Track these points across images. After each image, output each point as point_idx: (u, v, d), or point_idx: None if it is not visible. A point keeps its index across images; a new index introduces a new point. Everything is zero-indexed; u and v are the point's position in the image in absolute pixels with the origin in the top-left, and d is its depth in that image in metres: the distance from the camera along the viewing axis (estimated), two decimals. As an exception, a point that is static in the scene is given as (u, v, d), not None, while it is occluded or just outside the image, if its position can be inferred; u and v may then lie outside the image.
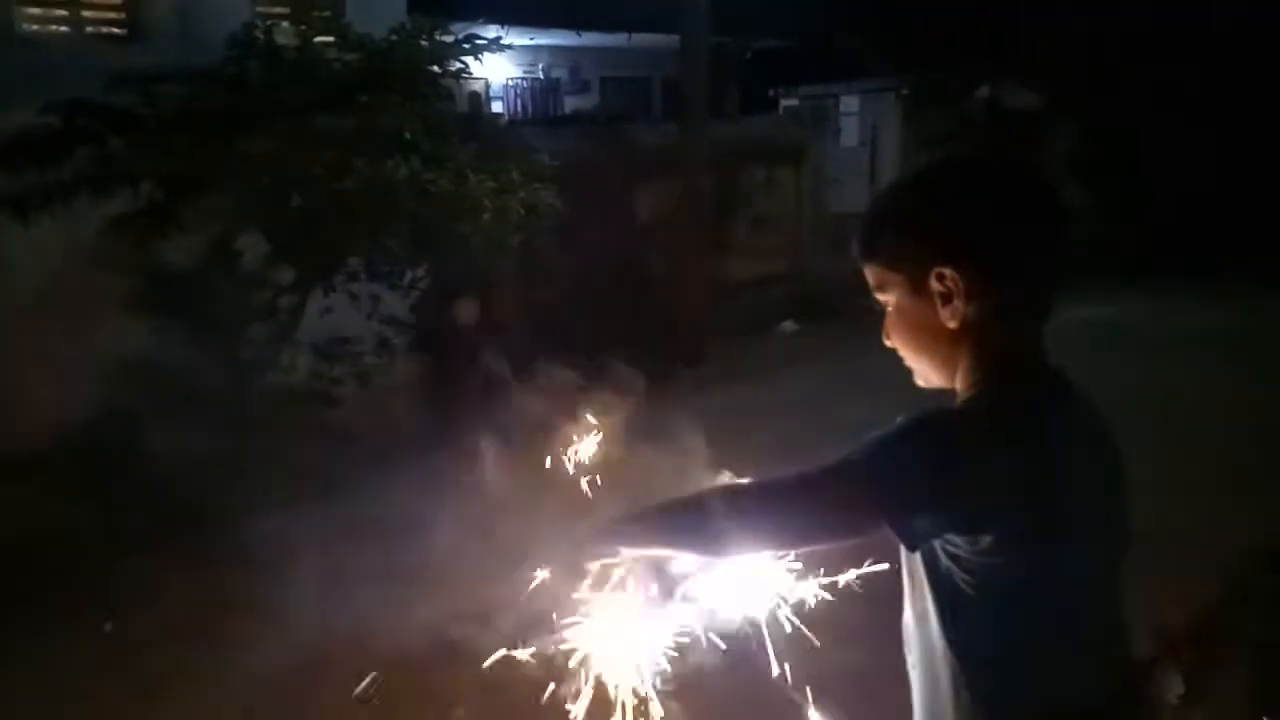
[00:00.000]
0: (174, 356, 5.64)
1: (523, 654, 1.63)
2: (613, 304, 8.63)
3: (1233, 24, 11.92)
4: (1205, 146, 11.85)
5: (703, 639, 1.60)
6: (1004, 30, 12.73)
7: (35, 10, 7.13)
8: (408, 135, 5.64)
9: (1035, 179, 1.25)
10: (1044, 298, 1.23)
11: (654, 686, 1.54)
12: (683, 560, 1.51)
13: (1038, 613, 1.17)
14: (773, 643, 1.60)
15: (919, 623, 1.27)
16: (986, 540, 1.13)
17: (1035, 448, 1.15)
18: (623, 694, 1.54)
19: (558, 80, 17.05)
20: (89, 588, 4.67)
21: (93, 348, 5.77)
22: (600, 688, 1.54)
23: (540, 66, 16.84)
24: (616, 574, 1.51)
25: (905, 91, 15.47)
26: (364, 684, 1.71)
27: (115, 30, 7.35)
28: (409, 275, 6.28)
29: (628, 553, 1.46)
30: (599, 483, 2.42)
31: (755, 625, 1.60)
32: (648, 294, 9.56)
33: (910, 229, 1.25)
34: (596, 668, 1.55)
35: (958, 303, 1.20)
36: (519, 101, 16.77)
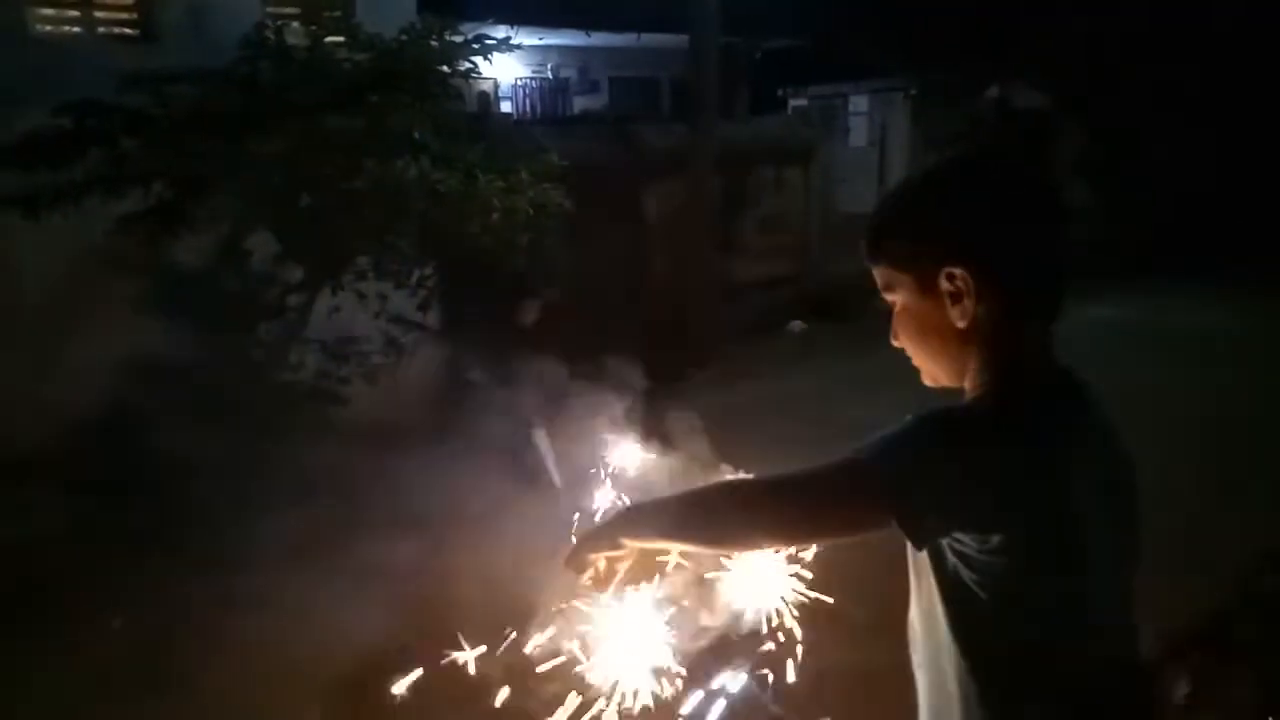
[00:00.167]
0: (183, 356, 5.67)
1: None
2: (621, 304, 8.64)
3: (1236, 24, 11.87)
4: (1210, 146, 11.81)
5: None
6: (1012, 30, 12.70)
7: (48, 11, 7.17)
8: (417, 135, 5.66)
9: (1041, 179, 1.25)
10: (1052, 298, 1.23)
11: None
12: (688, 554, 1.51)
13: (1046, 613, 1.16)
14: (777, 639, 1.61)
15: (925, 621, 1.27)
16: (996, 539, 1.12)
17: (1045, 447, 1.15)
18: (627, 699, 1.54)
19: (566, 80, 17.05)
20: (97, 587, 4.69)
21: (102, 347, 5.81)
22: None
23: (549, 66, 16.84)
24: (622, 568, 1.50)
25: (914, 92, 15.45)
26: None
27: (128, 31, 7.38)
28: (417, 274, 6.30)
29: (633, 546, 1.45)
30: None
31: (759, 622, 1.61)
32: (656, 294, 9.57)
33: (919, 229, 1.25)
34: (600, 673, 1.55)
35: (967, 302, 1.21)
36: (528, 101, 16.78)
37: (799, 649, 1.65)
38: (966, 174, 1.28)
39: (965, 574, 1.16)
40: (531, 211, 6.06)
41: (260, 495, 5.33)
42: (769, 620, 1.65)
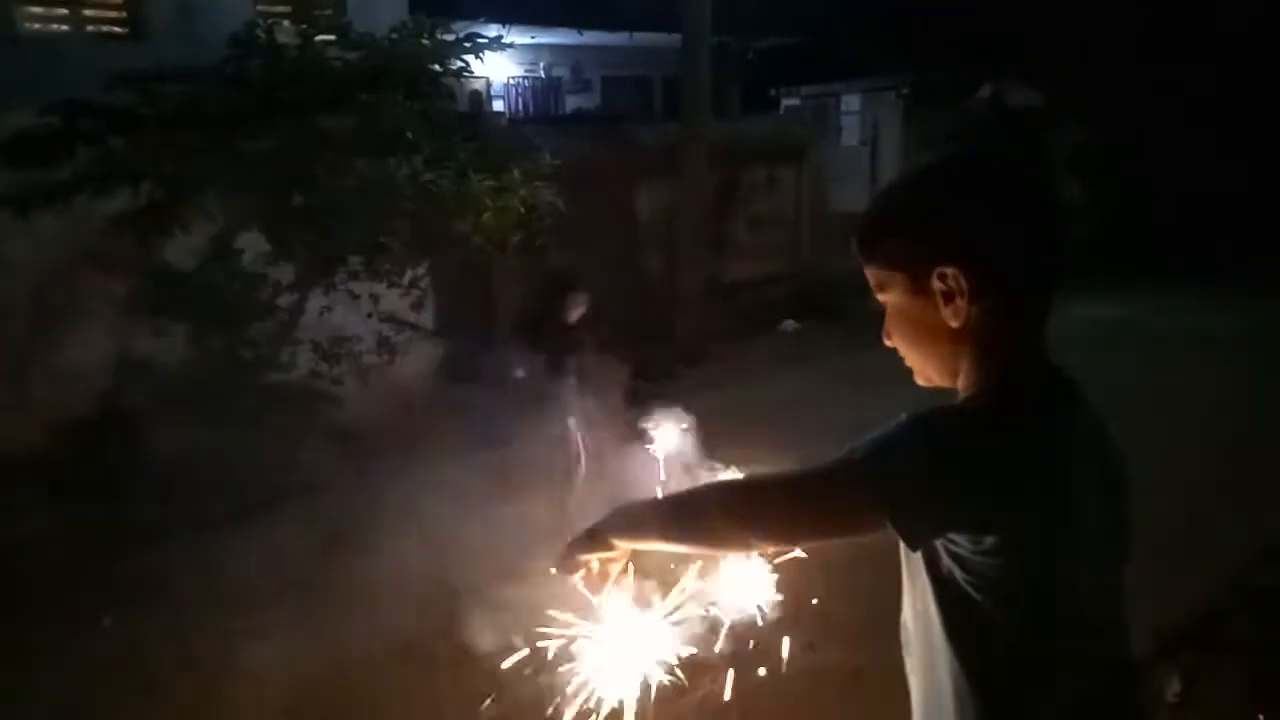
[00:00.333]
0: (173, 356, 5.65)
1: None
2: (612, 302, 8.63)
3: (1235, 23, 11.91)
4: (1206, 145, 11.85)
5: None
6: (1005, 30, 12.73)
7: (37, 9, 7.13)
8: (409, 134, 5.64)
9: (1035, 177, 1.23)
10: (1045, 297, 1.23)
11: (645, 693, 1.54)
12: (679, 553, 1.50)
13: (1041, 613, 1.16)
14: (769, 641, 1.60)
15: (920, 623, 1.26)
16: (990, 540, 1.12)
17: (1039, 447, 1.15)
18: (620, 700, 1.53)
19: (559, 79, 17.03)
20: (87, 587, 4.67)
21: (92, 347, 5.78)
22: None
23: (541, 65, 16.82)
24: (615, 570, 1.50)
25: (906, 91, 15.48)
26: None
27: (116, 29, 7.35)
28: (409, 274, 6.28)
29: (625, 547, 1.45)
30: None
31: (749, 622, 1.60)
32: (648, 293, 9.57)
33: (911, 229, 1.24)
34: (592, 674, 1.54)
35: (960, 302, 1.20)
36: (520, 100, 16.75)
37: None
38: (960, 172, 1.26)
39: (960, 575, 1.16)
40: (524, 210, 6.05)
41: (258, 495, 5.33)
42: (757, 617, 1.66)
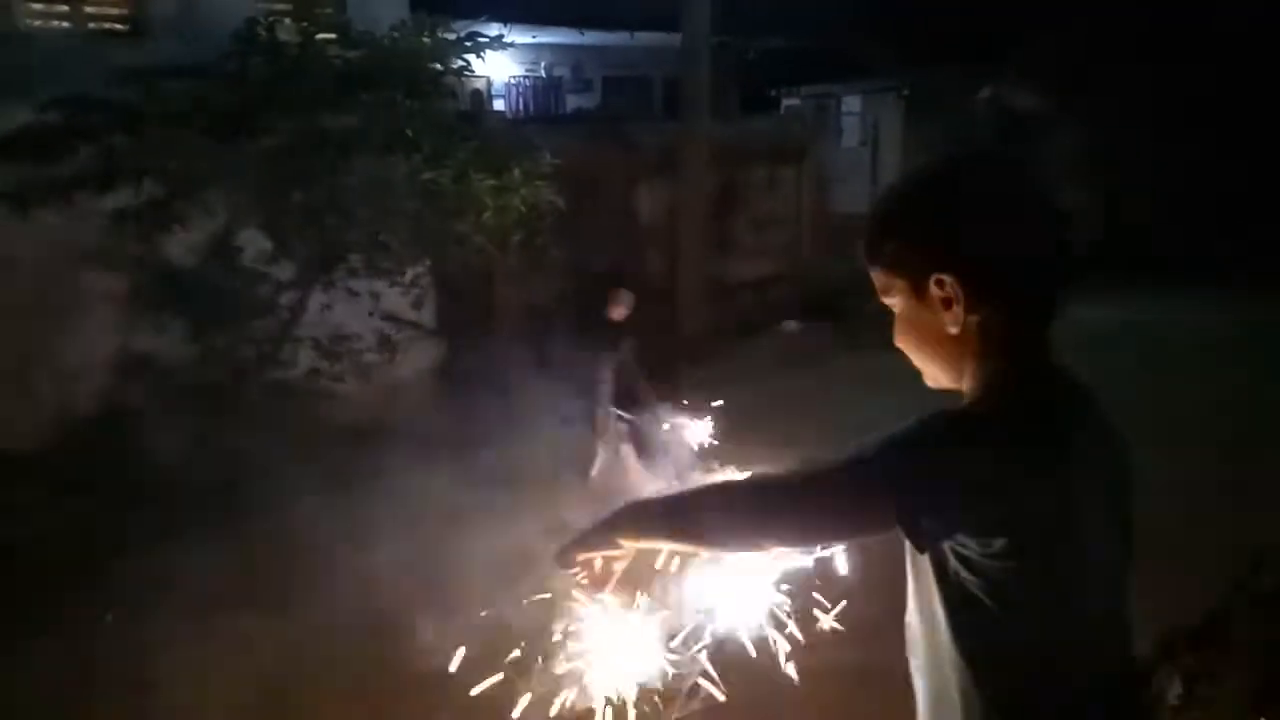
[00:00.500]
0: (174, 353, 5.65)
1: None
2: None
3: (1235, 24, 11.91)
4: (1206, 147, 11.85)
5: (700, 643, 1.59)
6: (1005, 31, 12.73)
7: (38, 6, 7.12)
8: (409, 133, 5.64)
9: (1036, 180, 1.23)
10: (1050, 299, 1.22)
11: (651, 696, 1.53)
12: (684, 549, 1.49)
13: (1047, 615, 1.15)
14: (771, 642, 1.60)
15: (925, 625, 1.26)
16: (999, 543, 1.12)
17: (1046, 450, 1.14)
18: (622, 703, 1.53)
19: (560, 79, 17.05)
20: (89, 585, 4.67)
21: (93, 345, 5.78)
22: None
23: (542, 65, 16.83)
24: (619, 568, 1.49)
25: (906, 92, 15.48)
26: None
27: (118, 26, 7.34)
28: (409, 273, 6.28)
29: (629, 545, 1.43)
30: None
31: (752, 625, 1.60)
32: (649, 293, 9.57)
33: (910, 234, 1.24)
34: (593, 678, 1.54)
35: (957, 309, 1.20)
36: (521, 100, 16.76)
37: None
38: (959, 176, 1.25)
39: (967, 577, 1.15)
40: (524, 210, 6.05)
41: (258, 493, 5.33)
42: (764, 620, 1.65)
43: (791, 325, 10.65)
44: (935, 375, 1.30)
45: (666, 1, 9.86)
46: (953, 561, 1.16)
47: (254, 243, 5.81)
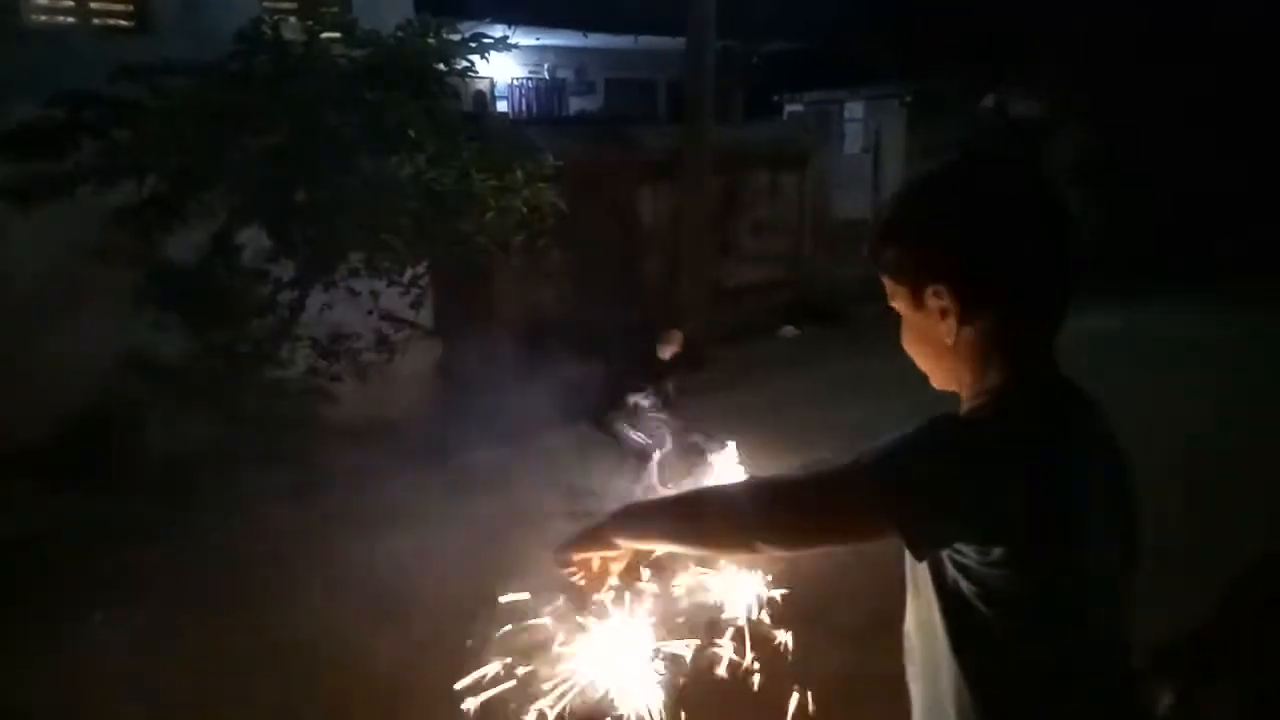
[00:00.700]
0: (173, 350, 5.65)
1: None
2: (614, 305, 8.64)
3: (1234, 30, 11.92)
4: (1209, 154, 11.85)
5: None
6: (1009, 38, 12.74)
7: (43, 1, 7.14)
8: (412, 133, 5.64)
9: (1038, 185, 1.21)
10: (1053, 306, 1.21)
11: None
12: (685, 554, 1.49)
13: (1046, 625, 1.15)
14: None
15: (922, 633, 1.25)
16: (997, 552, 1.11)
17: (1046, 459, 1.14)
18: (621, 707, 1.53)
19: (563, 81, 17.06)
20: (83, 581, 4.67)
21: (91, 341, 5.77)
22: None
23: (546, 67, 16.85)
24: (616, 568, 1.50)
25: (909, 99, 15.48)
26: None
27: (122, 23, 7.36)
28: (409, 273, 6.28)
29: (627, 546, 1.44)
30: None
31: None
32: (650, 296, 9.58)
33: (908, 240, 1.24)
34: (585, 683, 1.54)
35: (951, 321, 1.20)
36: (524, 101, 16.78)
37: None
38: (957, 182, 1.24)
39: (965, 586, 1.15)
40: (526, 211, 6.06)
41: (254, 491, 5.33)
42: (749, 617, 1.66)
43: (791, 330, 10.66)
44: (940, 380, 1.30)
45: (671, 5, 9.86)
46: (951, 570, 1.16)
47: (254, 241, 5.82)
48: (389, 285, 6.26)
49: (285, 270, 5.96)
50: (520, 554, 2.79)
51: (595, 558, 1.47)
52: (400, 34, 5.86)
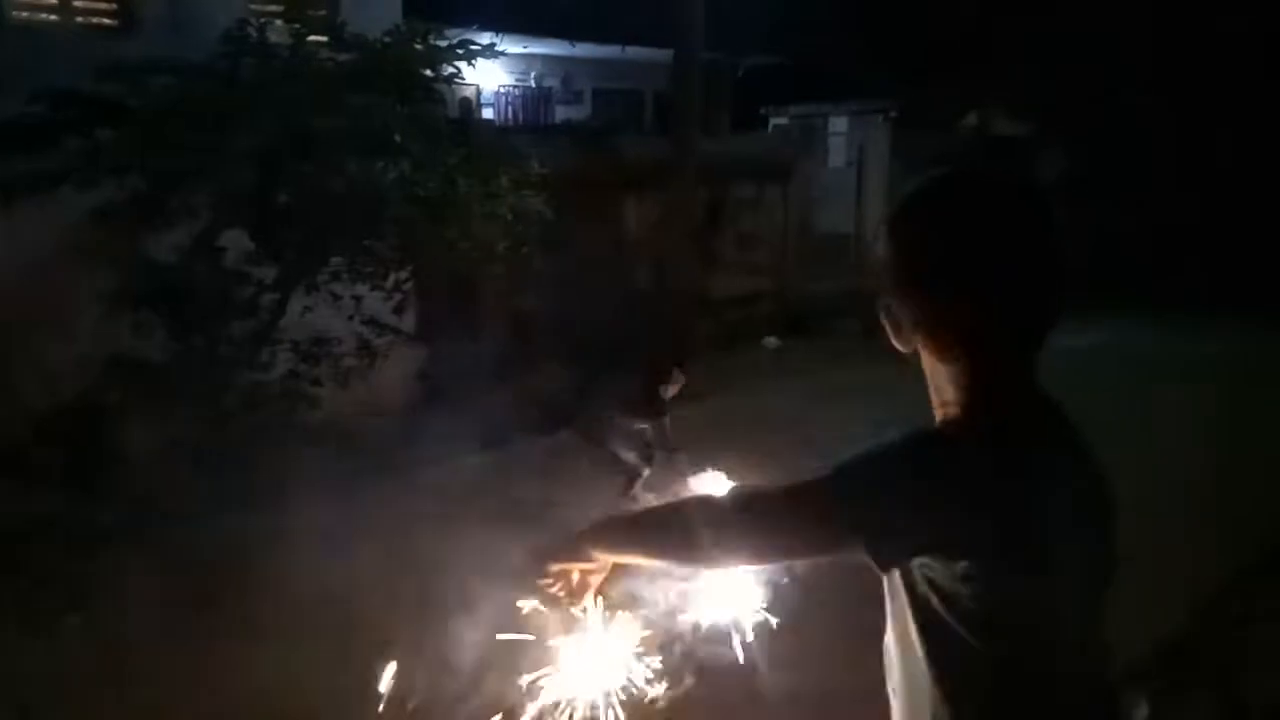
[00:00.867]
0: (152, 351, 5.59)
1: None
2: (598, 315, 8.64)
3: (1220, 53, 12.12)
4: (1191, 173, 12.03)
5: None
6: (991, 57, 12.89)
7: (26, -2, 7.09)
8: (397, 138, 5.63)
9: (1019, 201, 1.20)
10: (1028, 322, 1.19)
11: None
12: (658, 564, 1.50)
13: (1015, 640, 1.15)
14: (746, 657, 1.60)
15: (900, 646, 1.25)
16: (961, 566, 1.12)
17: (1011, 472, 1.14)
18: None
19: (550, 89, 17.04)
20: (60, 581, 4.61)
21: (69, 341, 5.71)
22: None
23: (533, 75, 16.83)
24: (595, 580, 1.50)
25: (894, 114, 15.62)
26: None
27: (106, 21, 7.30)
28: (392, 278, 6.26)
29: (604, 558, 1.45)
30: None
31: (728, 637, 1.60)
32: (634, 306, 9.59)
33: (887, 247, 1.25)
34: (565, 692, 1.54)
35: (909, 330, 1.22)
36: (510, 109, 16.74)
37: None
38: (929, 201, 1.23)
39: (936, 601, 1.15)
40: (511, 218, 6.05)
41: (231, 493, 5.28)
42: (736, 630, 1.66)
43: (772, 341, 10.70)
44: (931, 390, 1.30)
45: (659, 16, 9.91)
46: (922, 584, 1.17)
47: (236, 243, 5.78)
48: (372, 290, 6.24)
49: (267, 273, 5.92)
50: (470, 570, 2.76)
51: (575, 570, 1.48)
52: (387, 39, 5.85)
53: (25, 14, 7.10)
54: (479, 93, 15.76)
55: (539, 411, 6.28)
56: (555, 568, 1.48)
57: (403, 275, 6.31)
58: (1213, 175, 12.21)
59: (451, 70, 6.11)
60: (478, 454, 6.27)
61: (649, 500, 5.51)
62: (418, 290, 6.80)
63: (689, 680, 1.63)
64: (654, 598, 1.67)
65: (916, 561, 1.16)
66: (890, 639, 1.30)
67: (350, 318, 6.24)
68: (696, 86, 9.48)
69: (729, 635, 1.66)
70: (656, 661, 1.57)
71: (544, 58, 16.35)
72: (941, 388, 1.24)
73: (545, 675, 1.52)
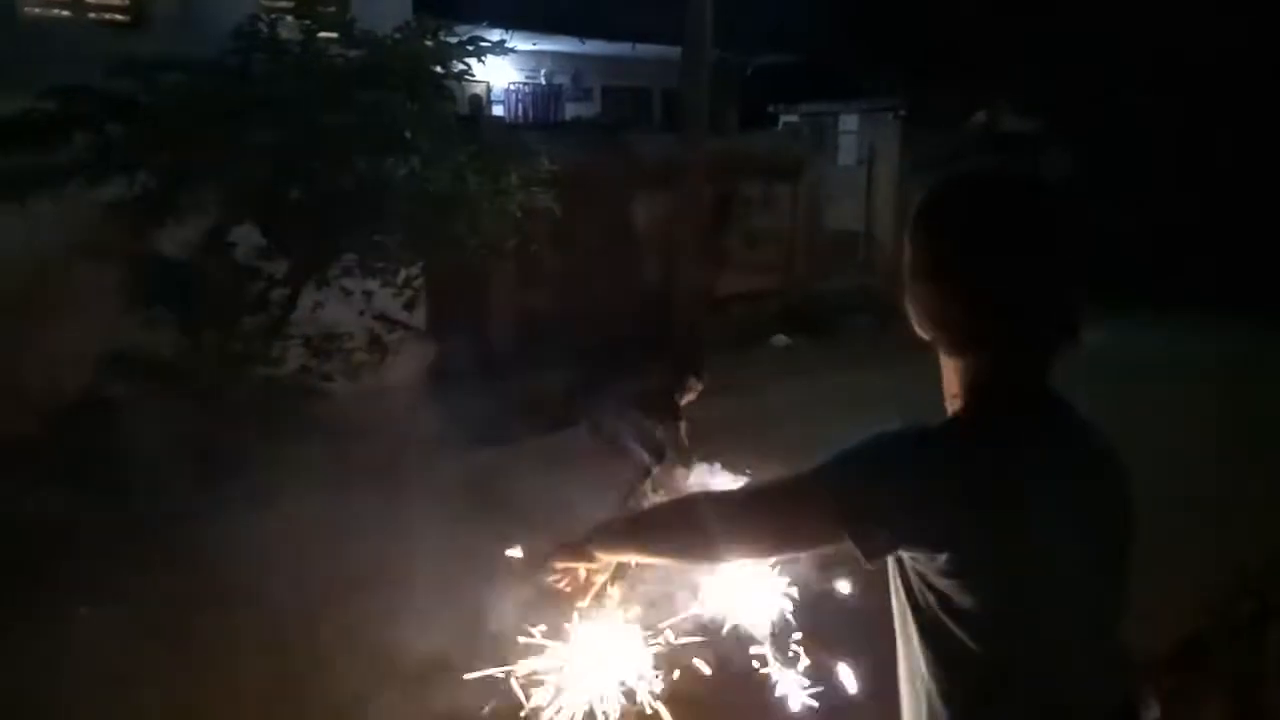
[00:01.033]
0: (165, 346, 5.61)
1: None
2: (607, 312, 8.65)
3: (1224, 54, 12.06)
4: (1198, 174, 11.98)
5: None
6: (1001, 56, 12.85)
7: (38, -6, 7.13)
8: (407, 134, 5.64)
9: (1028, 205, 1.21)
10: (1032, 327, 1.19)
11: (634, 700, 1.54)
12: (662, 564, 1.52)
13: (999, 634, 1.15)
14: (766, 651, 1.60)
15: (903, 638, 1.27)
16: (943, 558, 1.13)
17: (1001, 474, 1.14)
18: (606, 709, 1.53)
19: (559, 86, 17.05)
20: (66, 577, 4.63)
21: (80, 335, 5.74)
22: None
23: (543, 72, 16.85)
24: (600, 579, 1.52)
25: (903, 113, 15.58)
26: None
27: (118, 17, 7.34)
28: (403, 273, 6.27)
29: (606, 558, 1.48)
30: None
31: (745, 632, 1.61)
32: (642, 303, 9.59)
33: (908, 239, 1.26)
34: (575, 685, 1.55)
35: (922, 321, 1.24)
36: (520, 106, 16.75)
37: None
38: (943, 198, 1.25)
39: (928, 596, 1.17)
40: (520, 214, 6.06)
41: (240, 489, 5.29)
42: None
43: (781, 340, 10.68)
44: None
45: (668, 14, 9.90)
46: (914, 579, 1.19)
47: (247, 238, 5.80)
48: (382, 286, 6.25)
49: (278, 268, 5.94)
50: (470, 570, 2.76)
51: (580, 569, 1.52)
52: (398, 36, 5.86)
53: (37, 10, 7.14)
54: (489, 89, 15.78)
55: (548, 407, 6.28)
56: (560, 566, 1.52)
57: (413, 271, 6.32)
58: (1214, 175, 12.15)
59: (461, 67, 6.12)
60: (486, 449, 6.27)
61: (657, 498, 5.51)
62: (428, 286, 6.81)
63: (703, 669, 1.64)
64: (658, 597, 1.68)
65: (907, 556, 1.18)
66: (896, 630, 1.30)
67: (361, 313, 6.26)
68: (705, 84, 9.47)
69: (743, 637, 1.67)
70: (657, 661, 1.58)
71: (554, 55, 16.36)
72: (950, 381, 1.26)
73: (549, 672, 1.53)
